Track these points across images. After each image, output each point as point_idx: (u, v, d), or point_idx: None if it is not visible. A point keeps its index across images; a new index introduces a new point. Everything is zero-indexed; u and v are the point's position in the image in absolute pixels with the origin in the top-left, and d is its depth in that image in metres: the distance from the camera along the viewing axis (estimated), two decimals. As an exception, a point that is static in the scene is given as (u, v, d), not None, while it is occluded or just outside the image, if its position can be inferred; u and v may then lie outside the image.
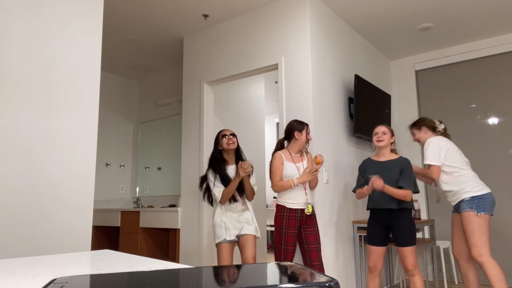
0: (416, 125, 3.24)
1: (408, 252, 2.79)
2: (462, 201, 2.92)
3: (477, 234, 2.82)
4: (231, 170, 2.95)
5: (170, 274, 0.46)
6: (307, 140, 2.91)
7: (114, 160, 5.49)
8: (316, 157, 2.83)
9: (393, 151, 3.02)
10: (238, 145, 3.00)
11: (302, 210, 2.81)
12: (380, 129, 2.96)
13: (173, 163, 5.21)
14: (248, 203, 2.99)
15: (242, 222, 2.92)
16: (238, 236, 2.91)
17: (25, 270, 0.74)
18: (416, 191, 2.80)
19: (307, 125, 2.94)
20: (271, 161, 2.93)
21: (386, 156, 2.91)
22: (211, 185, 2.92)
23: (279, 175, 2.84)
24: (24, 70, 1.74)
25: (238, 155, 3.02)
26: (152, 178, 5.45)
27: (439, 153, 2.99)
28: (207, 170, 2.99)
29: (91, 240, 2.58)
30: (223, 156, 2.98)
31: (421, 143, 3.19)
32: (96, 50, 2.05)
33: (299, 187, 2.83)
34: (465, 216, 2.89)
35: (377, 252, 2.89)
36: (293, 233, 2.78)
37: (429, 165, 3.00)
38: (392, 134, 2.97)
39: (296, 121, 2.93)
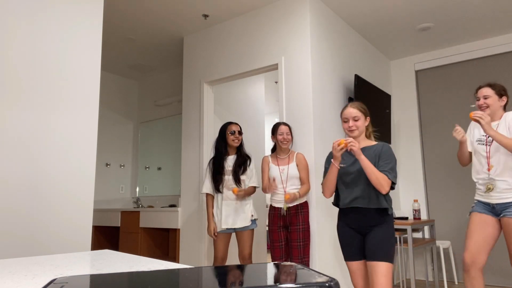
0: (498, 89, 2.55)
1: (382, 269, 2.10)
2: None
3: None
4: (230, 160, 3.19)
5: (170, 274, 0.46)
6: (281, 141, 3.02)
7: (114, 160, 5.49)
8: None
9: (371, 136, 2.42)
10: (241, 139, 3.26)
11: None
12: (350, 114, 2.28)
13: (173, 163, 5.21)
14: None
15: (242, 213, 3.11)
16: (235, 229, 3.13)
17: (25, 270, 0.74)
18: (393, 181, 2.14)
19: (279, 125, 3.06)
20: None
21: (361, 143, 2.31)
22: (205, 176, 3.26)
23: (266, 177, 3.06)
24: (24, 70, 1.74)
25: (239, 147, 3.25)
26: (152, 178, 5.45)
27: None
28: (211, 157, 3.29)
29: (91, 240, 2.58)
30: (226, 148, 3.20)
31: (488, 111, 2.55)
32: (96, 50, 2.05)
33: (280, 187, 3.00)
34: None
35: (354, 269, 2.26)
36: (276, 230, 2.98)
37: None
38: (366, 115, 2.34)
39: (274, 125, 3.12)
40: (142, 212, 4.42)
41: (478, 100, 2.59)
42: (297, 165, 2.98)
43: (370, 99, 4.04)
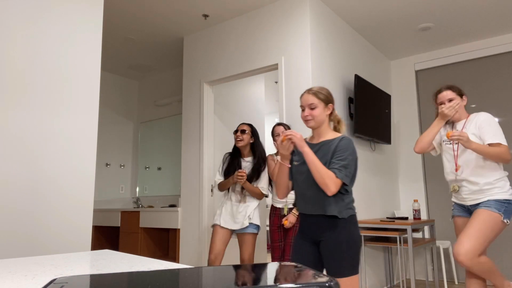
0: (458, 90, 2.53)
1: (344, 285, 1.79)
2: (490, 200, 2.35)
3: (485, 237, 2.27)
4: (244, 162, 3.09)
5: (170, 274, 0.46)
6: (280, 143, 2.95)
7: (114, 160, 5.49)
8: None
9: (340, 126, 2.05)
10: (255, 138, 3.11)
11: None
12: (306, 101, 1.96)
13: (173, 163, 5.21)
14: (249, 196, 3.07)
15: (239, 214, 3.02)
16: (236, 232, 3.05)
17: (25, 270, 0.74)
18: (343, 180, 1.82)
19: (274, 127, 3.02)
20: None
21: (322, 135, 1.98)
22: (219, 168, 3.17)
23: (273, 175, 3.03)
24: (24, 70, 1.74)
25: (254, 148, 3.11)
26: (152, 178, 5.45)
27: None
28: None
29: (91, 240, 2.58)
30: (239, 149, 3.11)
31: (457, 114, 2.53)
32: (96, 50, 2.05)
33: None
34: (486, 214, 2.30)
35: None
36: (276, 230, 2.97)
37: (499, 144, 2.34)
38: (327, 102, 1.97)
39: (272, 129, 3.08)
40: (142, 212, 4.42)
41: (443, 104, 2.53)
42: None
43: (370, 99, 4.04)
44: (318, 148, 1.95)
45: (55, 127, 1.83)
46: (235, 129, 3.38)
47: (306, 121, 1.96)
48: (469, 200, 2.44)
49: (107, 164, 5.37)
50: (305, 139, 2.03)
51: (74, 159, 1.89)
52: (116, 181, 5.48)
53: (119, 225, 4.68)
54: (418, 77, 4.99)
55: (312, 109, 1.93)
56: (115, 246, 5.20)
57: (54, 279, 0.44)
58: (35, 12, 1.81)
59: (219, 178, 3.12)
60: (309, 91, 1.97)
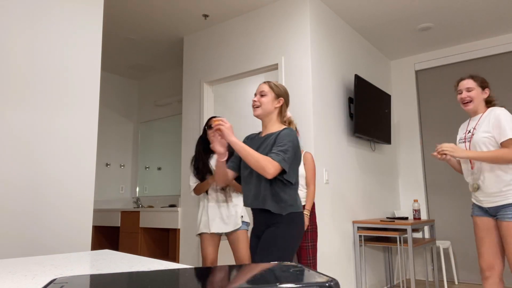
0: (480, 81, 2.41)
1: None
2: (508, 207, 2.25)
3: None
4: (214, 160, 2.86)
5: (170, 274, 0.46)
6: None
7: (114, 160, 5.49)
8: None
9: (290, 124, 2.04)
10: None
11: None
12: (258, 88, 1.98)
13: (173, 163, 5.21)
14: (234, 194, 2.90)
15: (230, 215, 2.83)
16: (226, 234, 2.87)
17: (25, 270, 0.74)
18: (281, 164, 1.76)
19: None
20: None
21: (269, 128, 1.98)
22: (191, 172, 2.94)
23: None
24: (24, 70, 1.74)
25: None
26: (152, 178, 5.45)
27: None
28: (194, 153, 2.98)
29: (91, 240, 2.58)
30: (208, 145, 2.84)
31: (472, 105, 2.41)
32: (96, 50, 2.05)
33: None
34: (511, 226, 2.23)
35: None
36: None
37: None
38: (278, 95, 1.98)
39: None
40: (142, 212, 4.42)
41: (460, 93, 2.43)
42: (304, 164, 2.93)
43: (370, 99, 4.04)
44: (263, 141, 1.94)
45: (55, 127, 1.83)
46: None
47: (253, 107, 1.96)
48: (485, 202, 2.35)
49: (107, 164, 5.37)
50: (258, 133, 2.04)
51: (74, 159, 1.89)
52: (116, 181, 5.48)
53: (119, 225, 4.68)
54: (418, 77, 4.99)
55: (262, 96, 1.95)
56: (115, 246, 5.20)
57: (54, 279, 0.44)
58: (35, 12, 1.81)
59: (195, 182, 2.89)
60: (265, 82, 1.99)
